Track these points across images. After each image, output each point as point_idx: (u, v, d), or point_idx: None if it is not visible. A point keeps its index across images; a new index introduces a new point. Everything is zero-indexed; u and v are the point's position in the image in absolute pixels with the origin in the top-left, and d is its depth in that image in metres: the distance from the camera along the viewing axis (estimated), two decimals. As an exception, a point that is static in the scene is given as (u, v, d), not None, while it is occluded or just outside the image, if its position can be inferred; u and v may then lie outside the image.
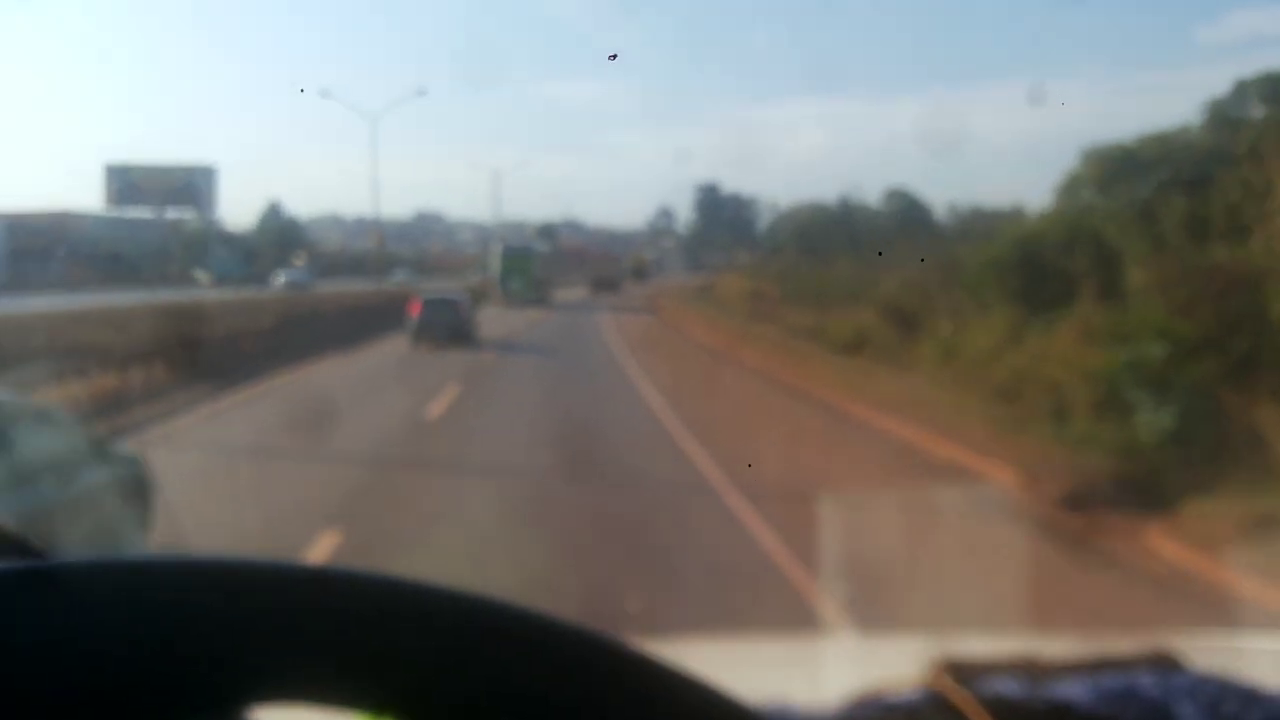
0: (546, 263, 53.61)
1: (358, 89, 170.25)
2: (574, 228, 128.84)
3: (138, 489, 6.03)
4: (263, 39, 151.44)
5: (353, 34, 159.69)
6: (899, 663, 0.85)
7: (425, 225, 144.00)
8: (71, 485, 5.20)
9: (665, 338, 30.22)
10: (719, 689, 0.56)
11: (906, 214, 75.22)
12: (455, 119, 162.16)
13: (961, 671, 0.81)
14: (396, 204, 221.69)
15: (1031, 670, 0.83)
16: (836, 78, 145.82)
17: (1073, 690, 0.80)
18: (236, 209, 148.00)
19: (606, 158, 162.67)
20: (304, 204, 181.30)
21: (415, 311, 24.88)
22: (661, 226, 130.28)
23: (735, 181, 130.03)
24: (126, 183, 66.25)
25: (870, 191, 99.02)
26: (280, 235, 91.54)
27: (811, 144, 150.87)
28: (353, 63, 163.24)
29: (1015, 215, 73.44)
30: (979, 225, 73.64)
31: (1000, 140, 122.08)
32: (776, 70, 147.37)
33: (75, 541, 5.05)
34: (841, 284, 29.98)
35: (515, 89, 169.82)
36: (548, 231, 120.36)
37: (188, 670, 0.61)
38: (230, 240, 74.97)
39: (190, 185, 68.94)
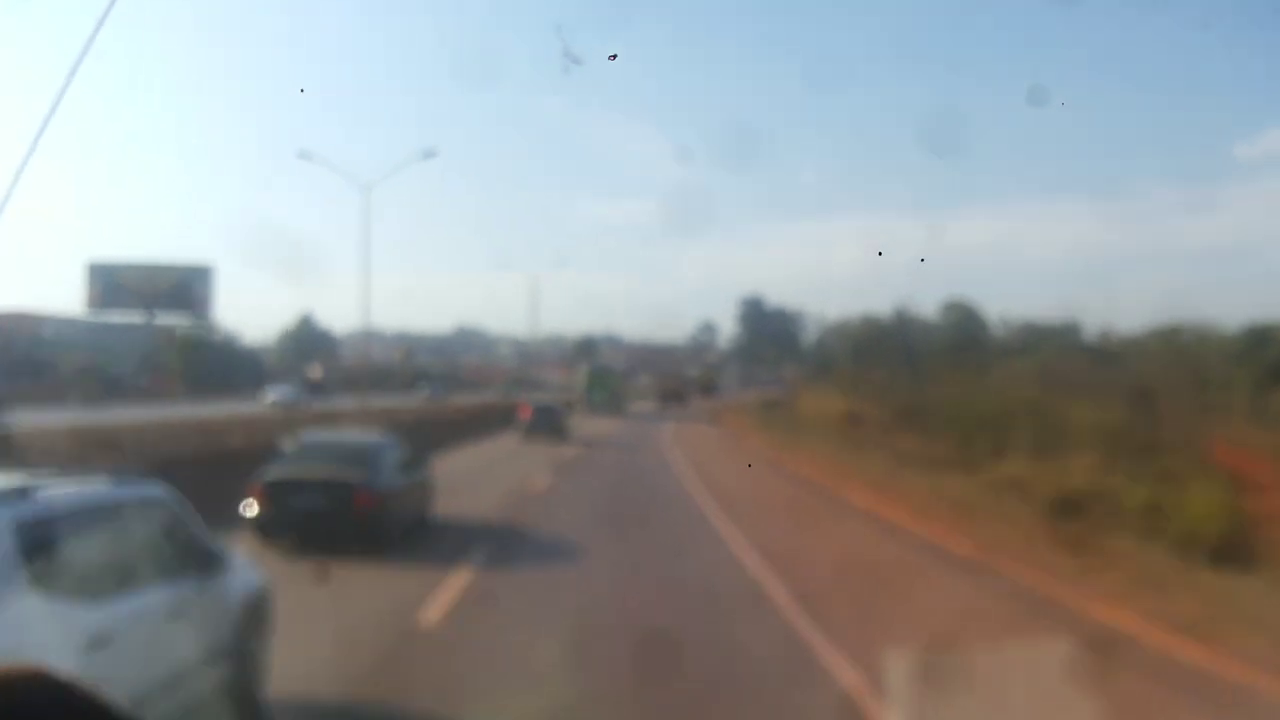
0: (623, 379, 64.31)
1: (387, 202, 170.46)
2: (613, 342, 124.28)
3: (431, 482, 13.63)
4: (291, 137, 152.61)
5: (391, 147, 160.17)
6: None
7: (465, 339, 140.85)
8: (416, 476, 12.71)
9: (788, 493, 19.99)
10: None
11: (963, 326, 69.60)
12: (497, 236, 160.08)
13: None
14: (439, 318, 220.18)
15: None
16: (874, 195, 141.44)
17: None
18: (267, 320, 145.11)
19: (644, 273, 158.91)
20: (342, 318, 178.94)
21: (526, 414, 33.13)
22: (704, 341, 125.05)
23: (777, 296, 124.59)
24: (110, 283, 58.33)
25: (924, 304, 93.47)
26: (299, 346, 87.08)
27: (850, 258, 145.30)
28: (381, 170, 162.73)
29: (1069, 330, 66.68)
30: (1034, 339, 66.95)
31: (1034, 255, 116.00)
32: (814, 186, 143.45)
33: (415, 502, 12.47)
34: (969, 405, 22.81)
35: (554, 208, 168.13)
36: (587, 346, 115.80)
37: None
38: (233, 349, 69.45)
39: (183, 287, 60.89)
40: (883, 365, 54.54)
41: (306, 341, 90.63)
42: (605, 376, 59.78)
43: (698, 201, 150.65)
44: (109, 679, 3.97)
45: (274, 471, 11.04)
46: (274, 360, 79.77)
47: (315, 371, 77.10)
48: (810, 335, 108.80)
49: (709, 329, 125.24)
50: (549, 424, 31.97)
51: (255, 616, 5.88)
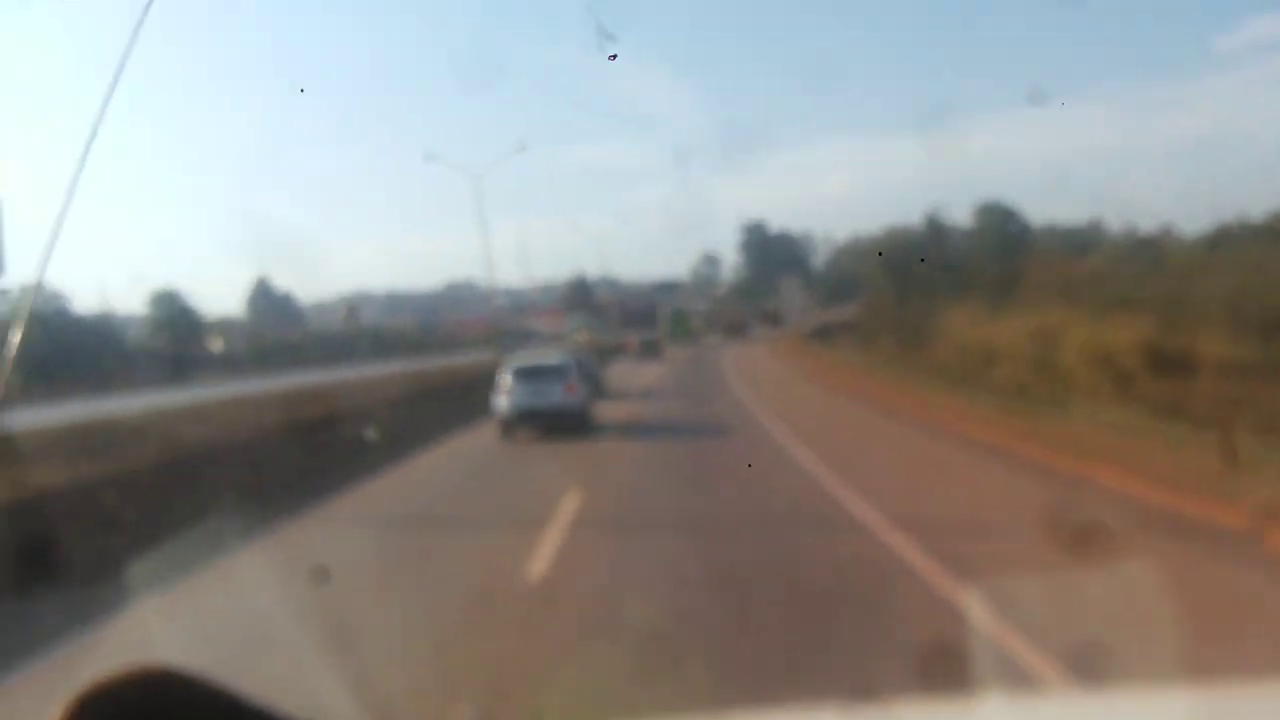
0: (694, 320, 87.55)
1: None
2: (609, 284, 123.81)
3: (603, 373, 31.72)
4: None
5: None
6: None
7: (455, 295, 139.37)
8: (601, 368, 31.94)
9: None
10: None
11: (1002, 230, 68.78)
12: (482, 186, 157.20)
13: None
14: (429, 276, 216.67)
15: None
16: (857, 118, 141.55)
17: None
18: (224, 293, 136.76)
19: (637, 213, 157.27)
20: (326, 285, 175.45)
21: (632, 346, 57.25)
22: (706, 273, 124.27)
23: (775, 222, 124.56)
24: None
25: (955, 211, 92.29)
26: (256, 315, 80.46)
27: (842, 182, 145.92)
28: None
29: (1093, 231, 65.95)
30: (1075, 240, 66.64)
31: (1025, 162, 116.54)
32: (801, 114, 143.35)
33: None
34: None
35: (540, 153, 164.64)
36: (582, 288, 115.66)
37: None
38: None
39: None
40: (917, 281, 52.86)
41: (266, 310, 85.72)
42: (684, 317, 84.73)
43: (684, 139, 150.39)
44: (587, 393, 19.39)
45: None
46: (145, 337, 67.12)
47: (215, 344, 71.21)
48: (820, 259, 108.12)
49: (711, 261, 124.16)
50: (652, 350, 54.80)
51: (597, 384, 24.10)
